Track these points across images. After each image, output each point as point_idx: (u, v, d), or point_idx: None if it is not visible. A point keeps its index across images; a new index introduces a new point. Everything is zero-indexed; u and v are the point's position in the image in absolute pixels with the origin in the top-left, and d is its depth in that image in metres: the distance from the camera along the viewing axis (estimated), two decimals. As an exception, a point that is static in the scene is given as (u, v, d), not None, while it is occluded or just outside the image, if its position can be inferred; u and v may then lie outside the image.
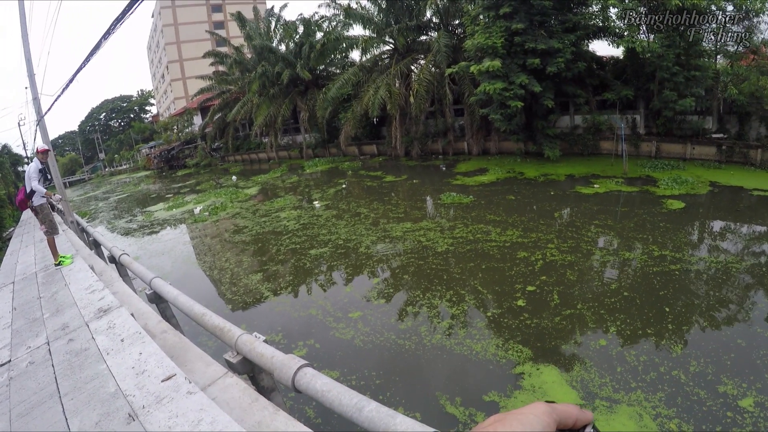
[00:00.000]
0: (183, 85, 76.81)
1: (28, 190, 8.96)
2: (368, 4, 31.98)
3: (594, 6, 22.62)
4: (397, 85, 29.80)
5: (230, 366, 4.17)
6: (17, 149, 63.06)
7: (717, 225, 14.22)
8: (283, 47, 40.24)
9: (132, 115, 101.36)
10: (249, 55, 43.14)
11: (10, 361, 4.68)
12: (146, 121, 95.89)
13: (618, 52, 23.99)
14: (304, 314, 10.10)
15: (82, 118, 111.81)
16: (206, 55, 45.09)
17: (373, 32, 32.20)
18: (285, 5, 43.84)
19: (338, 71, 37.86)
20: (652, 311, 8.88)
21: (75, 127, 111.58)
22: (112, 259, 9.73)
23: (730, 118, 21.21)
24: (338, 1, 33.37)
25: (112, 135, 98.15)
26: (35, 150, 9.86)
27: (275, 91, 38.79)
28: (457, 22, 29.74)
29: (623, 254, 12.01)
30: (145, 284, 6.80)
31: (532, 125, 24.03)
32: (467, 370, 7.60)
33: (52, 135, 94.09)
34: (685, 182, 17.80)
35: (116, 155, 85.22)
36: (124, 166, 77.41)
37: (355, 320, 9.49)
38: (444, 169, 27.11)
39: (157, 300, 6.80)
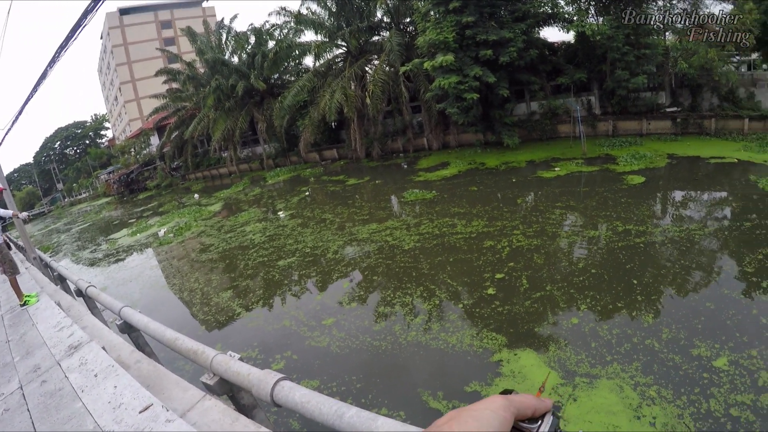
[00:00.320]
0: (137, 106, 75.18)
1: None
2: (319, 9, 31.89)
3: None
4: (352, 87, 29.68)
5: (208, 388, 4.10)
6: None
7: (677, 195, 14.51)
8: (235, 59, 39.69)
9: (87, 141, 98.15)
10: (202, 70, 42.40)
11: (-15, 410, 4.50)
12: (102, 146, 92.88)
13: (569, 36, 24.54)
14: (278, 326, 9.89)
15: (37, 148, 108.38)
16: (158, 73, 44.04)
17: (325, 37, 32.03)
18: (235, 16, 43.20)
19: (293, 79, 37.50)
20: (620, 285, 8.96)
21: (30, 159, 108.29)
22: (79, 293, 9.39)
23: (683, 91, 21.83)
24: (288, 9, 33.16)
25: (68, 164, 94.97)
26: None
27: (231, 104, 38.26)
28: (408, 20, 29.84)
29: (588, 233, 12.13)
30: (115, 314, 6.64)
31: (490, 115, 24.19)
32: (446, 364, 7.54)
33: (7, 170, 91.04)
34: (644, 157, 18.16)
35: (74, 184, 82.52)
36: (84, 195, 75.12)
37: (329, 327, 9.33)
38: (406, 166, 27.17)
39: (128, 330, 6.64)
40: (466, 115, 23.10)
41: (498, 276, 10.20)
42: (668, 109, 21.88)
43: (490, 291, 9.62)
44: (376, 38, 31.63)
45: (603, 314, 8.12)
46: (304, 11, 32.39)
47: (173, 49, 63.26)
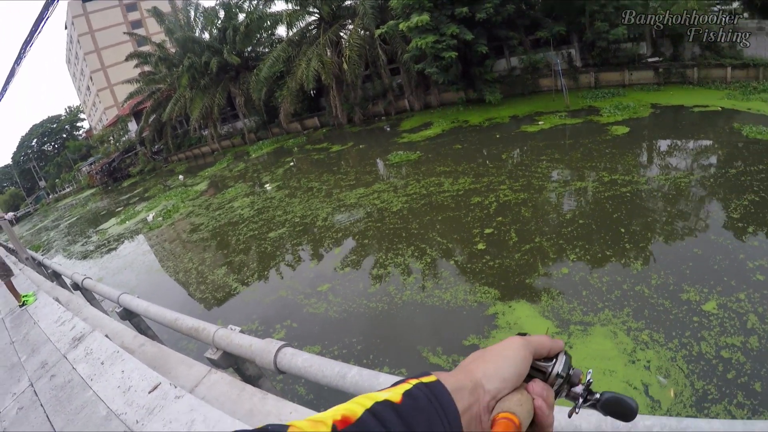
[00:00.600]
0: (111, 93, 73.29)
1: None
2: (288, -24, 31.00)
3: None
4: (328, 54, 29.09)
5: (213, 363, 4.25)
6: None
7: (662, 144, 14.49)
8: (206, 35, 38.47)
9: (65, 135, 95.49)
10: (173, 50, 41.20)
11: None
12: (80, 138, 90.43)
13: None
14: (275, 297, 9.99)
15: (14, 149, 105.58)
16: (129, 57, 42.83)
17: (296, 4, 31.13)
18: (202, -9, 42.19)
19: (267, 50, 36.61)
20: (608, 234, 9.02)
21: (8, 161, 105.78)
22: (76, 286, 9.43)
23: (664, 41, 21.61)
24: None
25: (48, 160, 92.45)
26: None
27: (206, 82, 37.36)
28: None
29: (575, 184, 12.13)
30: (114, 303, 6.71)
31: (470, 73, 23.89)
32: (442, 320, 7.65)
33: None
34: (627, 107, 18.09)
35: (57, 180, 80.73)
36: (68, 189, 73.71)
37: (324, 293, 9.45)
38: (389, 129, 26.92)
39: (128, 316, 6.79)
40: (445, 74, 22.82)
41: (487, 231, 10.26)
42: (650, 60, 21.69)
43: (480, 246, 9.70)
44: (348, 2, 30.73)
45: (592, 263, 8.20)
46: (272, -21, 31.53)
47: (141, 31, 61.60)
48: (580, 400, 0.78)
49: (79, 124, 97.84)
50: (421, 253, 10.21)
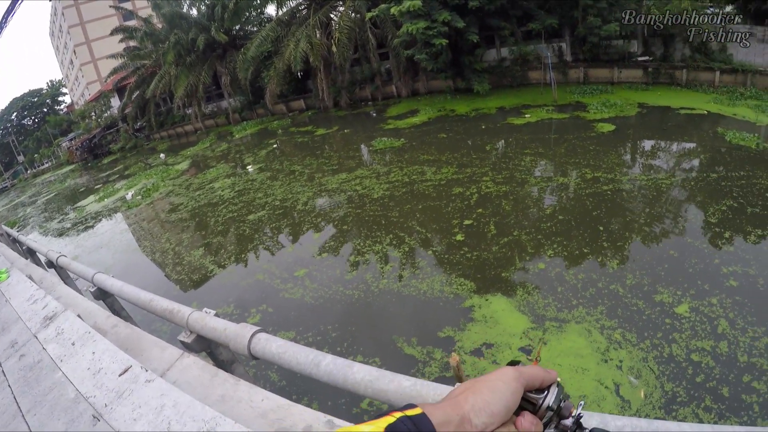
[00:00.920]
0: (95, 68, 71.65)
1: None
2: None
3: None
4: (317, 35, 28.66)
5: (186, 346, 4.18)
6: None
7: (647, 144, 14.50)
8: (194, 11, 37.61)
9: (45, 110, 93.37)
10: (160, 26, 40.41)
11: (-34, 392, 4.44)
12: (61, 112, 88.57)
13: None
14: (252, 281, 9.96)
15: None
16: (114, 31, 41.83)
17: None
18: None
19: (255, 29, 35.98)
20: (587, 232, 9.02)
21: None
22: (51, 264, 9.31)
23: (655, 40, 21.56)
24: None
25: (27, 135, 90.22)
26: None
27: (192, 59, 36.68)
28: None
29: (557, 179, 12.12)
30: (88, 282, 6.64)
31: (459, 61, 23.72)
32: (418, 310, 7.64)
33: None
34: (614, 105, 18.09)
35: (36, 155, 78.95)
36: (47, 165, 72.17)
37: (301, 278, 9.42)
38: (375, 115, 26.72)
39: (102, 296, 6.72)
40: (435, 62, 22.62)
41: (467, 222, 10.24)
42: (640, 58, 21.68)
43: (459, 237, 9.68)
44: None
45: (569, 260, 8.21)
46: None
47: (128, 5, 60.20)
48: None
49: (60, 99, 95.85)
50: (399, 241, 10.18)
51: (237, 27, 37.19)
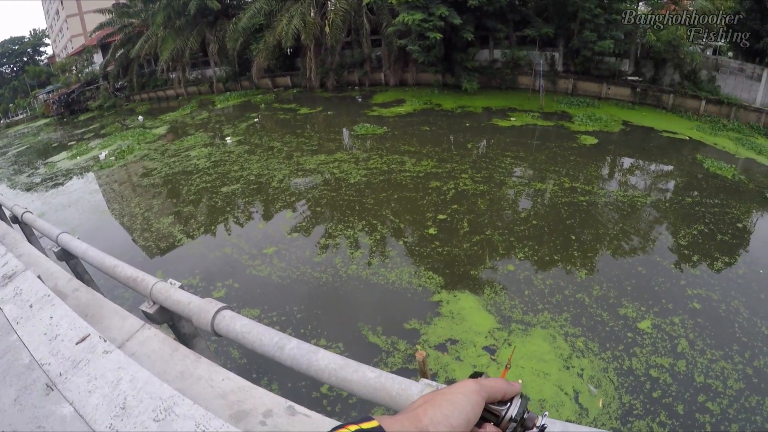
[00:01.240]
0: (80, 21, 69.72)
1: None
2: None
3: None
4: (312, 14, 28.27)
5: (148, 317, 3.97)
6: None
7: (627, 162, 14.66)
8: (190, -26, 37.13)
9: (25, 59, 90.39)
10: (152, -16, 39.74)
11: None
12: (42, 63, 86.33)
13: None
14: (220, 254, 9.78)
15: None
16: (104, -15, 41.15)
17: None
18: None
19: (249, 0, 35.66)
20: (559, 239, 9.06)
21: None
22: (15, 219, 8.89)
23: (647, 62, 21.81)
24: None
25: (4, 83, 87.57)
26: None
27: (182, 23, 35.83)
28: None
29: (535, 185, 12.13)
30: (52, 241, 6.34)
31: (451, 57, 23.67)
32: (386, 300, 7.58)
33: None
34: (599, 119, 18.24)
35: (11, 105, 76.81)
36: (21, 116, 70.04)
37: (270, 256, 9.28)
38: (360, 100, 26.50)
39: (66, 257, 6.38)
40: (427, 55, 22.53)
41: (440, 217, 10.20)
42: (630, 78, 21.96)
43: (432, 231, 9.64)
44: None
45: (539, 264, 8.23)
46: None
47: (121, -41, 58.84)
48: None
49: (42, 50, 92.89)
50: (372, 229, 10.09)
51: (231, -5, 36.54)
